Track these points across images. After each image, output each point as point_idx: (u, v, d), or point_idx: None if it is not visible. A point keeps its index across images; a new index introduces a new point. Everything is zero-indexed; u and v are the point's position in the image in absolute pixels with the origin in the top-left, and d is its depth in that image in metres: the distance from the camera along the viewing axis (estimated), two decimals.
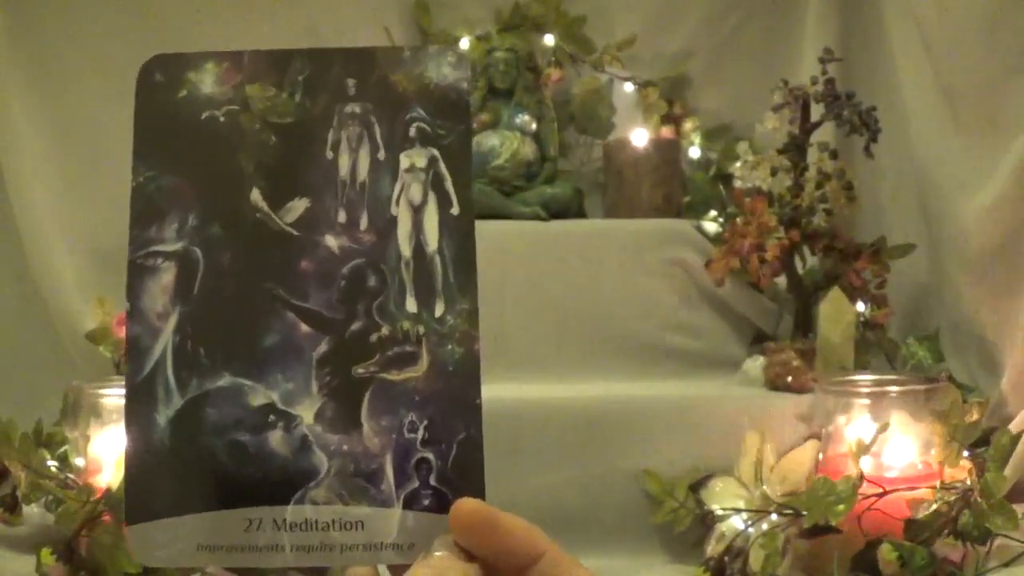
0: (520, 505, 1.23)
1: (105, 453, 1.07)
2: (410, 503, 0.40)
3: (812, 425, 1.11)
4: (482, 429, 0.46)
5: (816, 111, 1.30)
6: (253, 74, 0.44)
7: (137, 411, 0.41)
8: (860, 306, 1.30)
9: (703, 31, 1.68)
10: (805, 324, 1.30)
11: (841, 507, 0.96)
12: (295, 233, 0.42)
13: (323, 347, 0.41)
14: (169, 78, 0.49)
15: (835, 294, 1.23)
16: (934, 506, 0.97)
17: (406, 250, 0.42)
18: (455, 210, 0.44)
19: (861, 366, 1.25)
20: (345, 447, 0.40)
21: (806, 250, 1.32)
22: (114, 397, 1.10)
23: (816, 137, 1.32)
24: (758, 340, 1.39)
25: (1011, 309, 1.17)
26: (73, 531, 1.00)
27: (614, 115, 1.66)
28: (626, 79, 1.67)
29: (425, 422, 0.42)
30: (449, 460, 0.44)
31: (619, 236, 1.40)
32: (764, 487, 1.04)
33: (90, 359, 1.41)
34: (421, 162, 0.42)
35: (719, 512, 1.06)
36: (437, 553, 0.39)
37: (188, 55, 0.47)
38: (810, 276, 1.34)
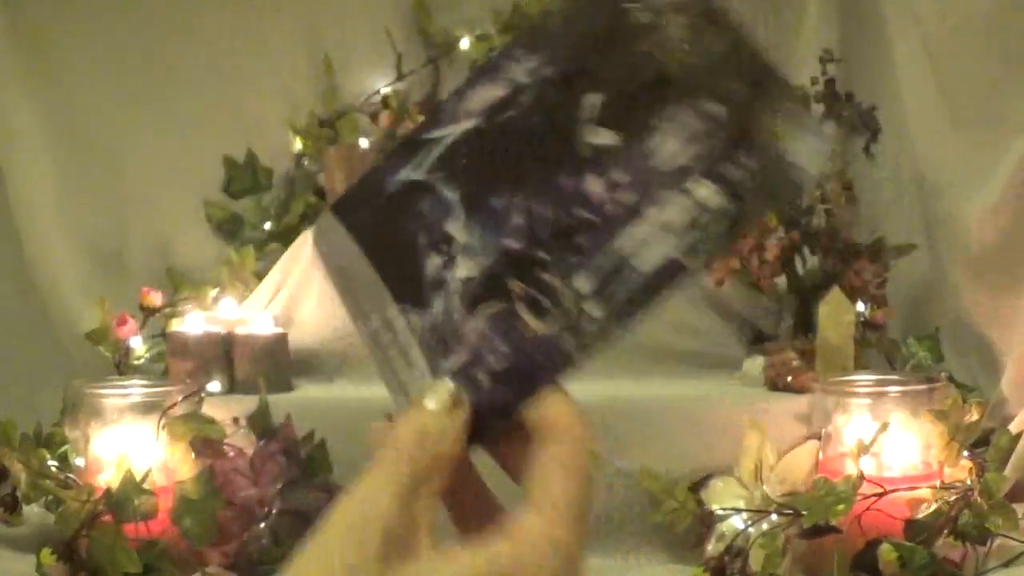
0: (519, 505, 1.23)
1: (105, 453, 1.07)
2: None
3: (812, 425, 1.11)
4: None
5: (816, 111, 1.30)
6: None
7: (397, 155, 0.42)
8: (860, 306, 1.30)
9: None
10: (805, 324, 1.30)
11: (841, 507, 0.96)
12: None
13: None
14: None
15: (835, 294, 1.23)
16: (934, 506, 0.97)
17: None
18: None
19: (861, 366, 1.25)
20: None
21: (806, 250, 1.32)
22: (114, 397, 1.10)
23: None
24: (758, 340, 1.39)
25: (1011, 309, 1.17)
26: (73, 531, 1.00)
27: None
28: None
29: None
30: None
31: None
32: (764, 487, 1.04)
33: (90, 359, 1.41)
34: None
35: (719, 512, 1.06)
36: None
37: None
38: (810, 276, 1.34)
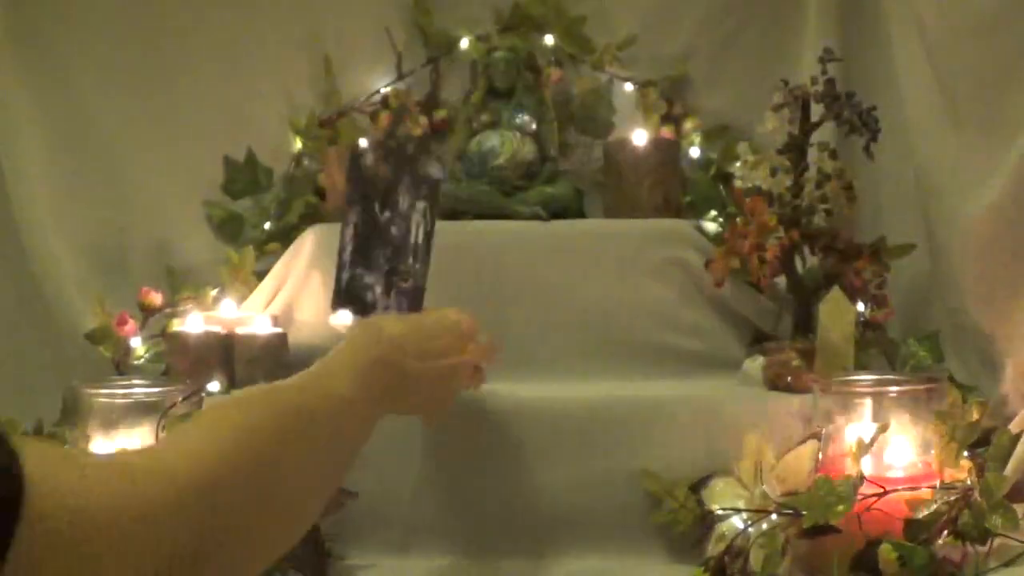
0: (520, 505, 1.24)
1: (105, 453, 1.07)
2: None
3: (812, 425, 1.11)
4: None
5: (816, 111, 1.30)
6: None
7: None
8: (860, 306, 1.30)
9: (703, 31, 1.68)
10: (805, 324, 1.30)
11: (841, 507, 0.96)
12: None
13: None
14: None
15: (835, 294, 1.23)
16: (934, 506, 0.97)
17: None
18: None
19: (861, 366, 1.25)
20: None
21: (806, 250, 1.32)
22: (114, 397, 1.10)
23: (816, 137, 1.32)
24: (758, 340, 1.39)
25: (1011, 309, 1.17)
26: None
27: (614, 115, 1.66)
28: (626, 79, 1.67)
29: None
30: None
31: (619, 236, 1.40)
32: (764, 487, 1.04)
33: (90, 359, 1.41)
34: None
35: (719, 512, 1.06)
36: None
37: None
38: (810, 276, 1.34)
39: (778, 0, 1.66)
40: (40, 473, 0.45)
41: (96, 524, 0.48)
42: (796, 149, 1.30)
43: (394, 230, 1.16)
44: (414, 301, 1.15)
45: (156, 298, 1.42)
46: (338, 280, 1.15)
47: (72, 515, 0.46)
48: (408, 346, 0.93)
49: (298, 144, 1.66)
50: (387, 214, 1.16)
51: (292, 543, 0.70)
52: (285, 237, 1.54)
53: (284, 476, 0.67)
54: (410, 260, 1.16)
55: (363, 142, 1.59)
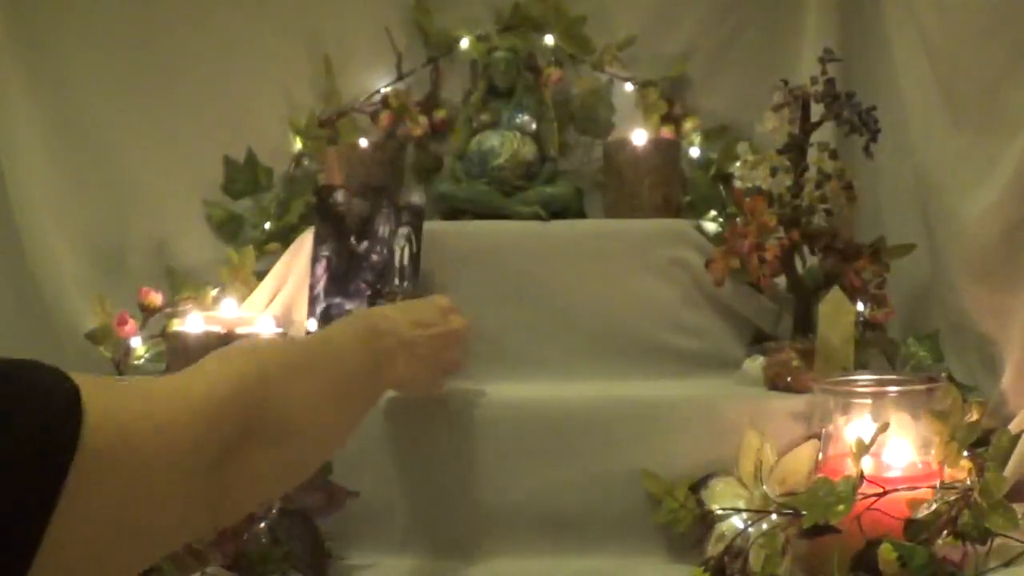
0: (520, 505, 1.24)
1: None
2: None
3: (812, 425, 1.11)
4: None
5: (816, 111, 1.30)
6: None
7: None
8: (860, 306, 1.30)
9: (703, 31, 1.68)
10: (805, 324, 1.30)
11: (841, 507, 0.96)
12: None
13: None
14: None
15: (835, 294, 1.23)
16: (934, 506, 0.97)
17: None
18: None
19: (861, 366, 1.25)
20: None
21: (806, 250, 1.32)
22: None
23: (816, 137, 1.32)
24: (758, 340, 1.39)
25: (1011, 309, 1.17)
26: None
27: (614, 115, 1.66)
28: (626, 79, 1.67)
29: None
30: None
31: (619, 236, 1.40)
32: (764, 487, 1.05)
33: (90, 359, 1.41)
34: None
35: (719, 512, 1.07)
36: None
37: None
38: (810, 276, 1.34)
39: (778, 0, 1.66)
40: (93, 398, 0.56)
41: (142, 434, 0.59)
42: (796, 149, 1.30)
43: (375, 257, 1.26)
44: None
45: (156, 298, 1.42)
46: (311, 315, 1.25)
47: (120, 427, 0.57)
48: (399, 316, 1.05)
49: (298, 144, 1.66)
50: (365, 244, 1.26)
51: (305, 473, 0.84)
52: (285, 237, 1.54)
53: (290, 402, 0.77)
54: (396, 281, 1.25)
55: (363, 142, 1.59)
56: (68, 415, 0.54)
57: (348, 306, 1.26)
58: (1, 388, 0.53)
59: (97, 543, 0.56)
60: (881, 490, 0.98)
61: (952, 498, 0.98)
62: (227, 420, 0.69)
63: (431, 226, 1.42)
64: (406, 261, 1.27)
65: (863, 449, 0.99)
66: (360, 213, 1.27)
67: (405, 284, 1.26)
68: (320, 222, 1.32)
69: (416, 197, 1.35)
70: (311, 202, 1.62)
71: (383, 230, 1.27)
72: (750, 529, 1.02)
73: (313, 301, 1.24)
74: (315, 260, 1.28)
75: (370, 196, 1.31)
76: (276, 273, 1.45)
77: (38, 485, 0.52)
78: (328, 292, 1.27)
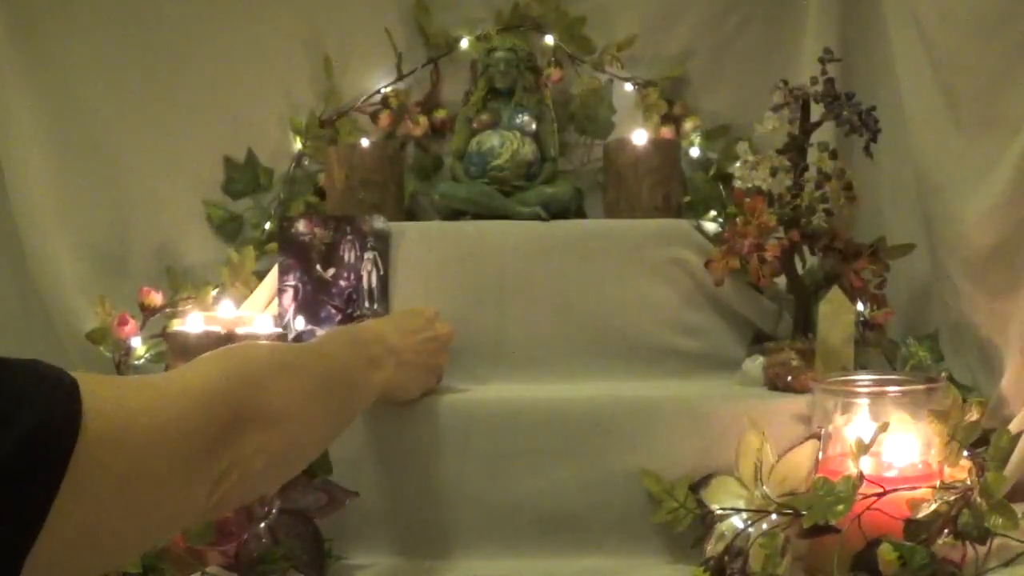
0: (520, 505, 1.24)
1: None
2: None
3: (812, 425, 1.11)
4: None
5: (816, 111, 1.30)
6: None
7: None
8: (860, 306, 1.30)
9: (703, 31, 1.68)
10: (805, 324, 1.30)
11: (841, 507, 0.96)
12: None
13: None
14: None
15: (835, 294, 1.23)
16: (934, 506, 0.97)
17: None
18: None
19: (861, 366, 1.25)
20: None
21: (806, 250, 1.32)
22: None
23: (816, 137, 1.32)
24: (758, 340, 1.39)
25: (1011, 309, 1.17)
26: None
27: (614, 115, 1.66)
28: (626, 79, 1.67)
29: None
30: None
31: (619, 236, 1.40)
32: (764, 487, 1.05)
33: (90, 359, 1.41)
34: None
35: (719, 512, 1.07)
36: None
37: None
38: (810, 276, 1.34)
39: (778, 0, 1.66)
40: (92, 389, 0.59)
41: (141, 419, 0.62)
42: (796, 149, 1.30)
43: (343, 283, 1.31)
44: None
45: (156, 298, 1.42)
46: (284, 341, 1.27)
47: (120, 412, 0.60)
48: (385, 326, 1.09)
49: (298, 144, 1.66)
50: (332, 270, 1.31)
51: (296, 465, 0.88)
52: None
53: (277, 394, 0.80)
54: (366, 304, 1.30)
55: (363, 142, 1.59)
56: (69, 403, 0.57)
57: (319, 332, 1.30)
58: (3, 382, 0.55)
59: (100, 525, 0.58)
60: (881, 490, 0.98)
61: (952, 498, 0.98)
62: (221, 406, 0.72)
63: (431, 226, 1.42)
64: (374, 284, 1.32)
65: (863, 449, 0.99)
66: (323, 240, 1.32)
67: (375, 306, 1.30)
68: (283, 253, 1.34)
69: (380, 223, 1.36)
70: (311, 202, 1.62)
71: (349, 256, 1.32)
72: (750, 529, 1.02)
73: (285, 329, 1.29)
74: (281, 291, 1.32)
75: (331, 225, 1.34)
76: (275, 273, 1.44)
77: (43, 468, 0.54)
78: (298, 319, 1.32)
